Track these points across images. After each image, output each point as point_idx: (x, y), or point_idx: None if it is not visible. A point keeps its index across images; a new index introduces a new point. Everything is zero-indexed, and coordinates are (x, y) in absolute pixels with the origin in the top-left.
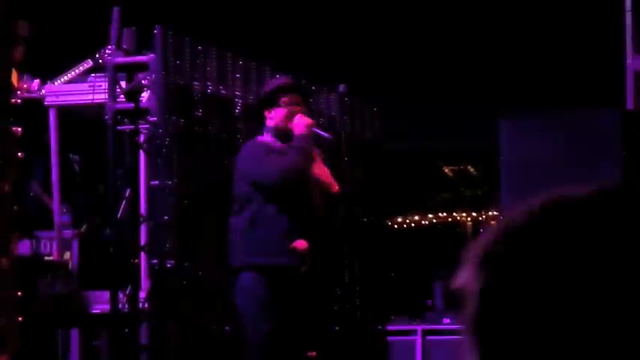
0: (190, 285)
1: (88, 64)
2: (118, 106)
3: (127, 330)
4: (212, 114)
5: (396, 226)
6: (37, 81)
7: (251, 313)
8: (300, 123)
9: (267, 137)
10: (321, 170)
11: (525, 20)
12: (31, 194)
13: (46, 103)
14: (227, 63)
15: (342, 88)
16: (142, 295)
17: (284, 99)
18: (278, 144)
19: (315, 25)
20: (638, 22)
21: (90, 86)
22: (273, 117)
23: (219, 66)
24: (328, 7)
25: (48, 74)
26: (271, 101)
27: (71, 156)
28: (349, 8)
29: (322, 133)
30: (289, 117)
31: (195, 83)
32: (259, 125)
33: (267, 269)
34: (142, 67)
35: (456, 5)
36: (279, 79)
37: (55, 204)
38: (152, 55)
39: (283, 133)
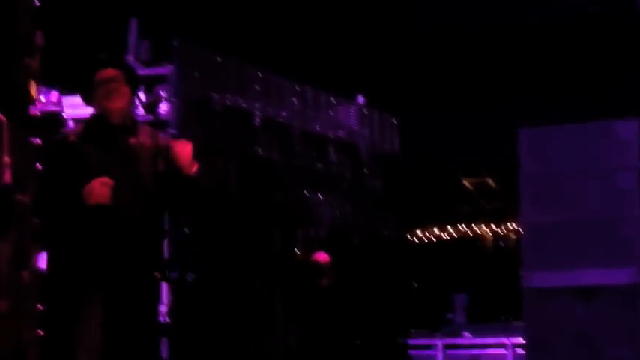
0: (212, 298)
1: None
2: (137, 118)
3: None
4: (231, 126)
5: (416, 239)
6: (55, 92)
7: None
8: None
9: None
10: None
11: (545, 32)
12: None
13: (64, 114)
14: (246, 75)
15: (360, 99)
16: (164, 309)
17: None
18: None
19: (334, 37)
20: None
21: None
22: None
23: (238, 78)
24: (349, 20)
25: (66, 86)
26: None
27: None
28: (369, 22)
29: None
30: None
31: (214, 95)
32: None
33: None
34: (161, 79)
35: (473, 19)
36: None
37: None
38: (170, 66)
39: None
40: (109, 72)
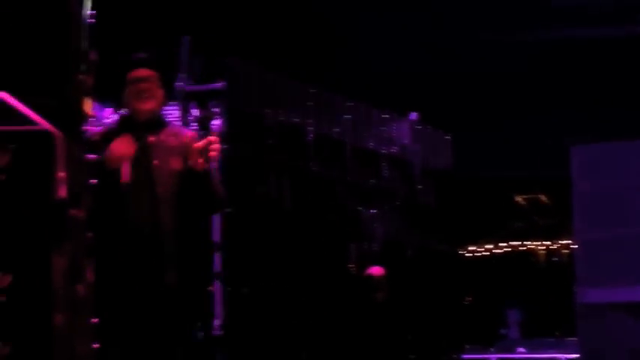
0: (265, 312)
1: None
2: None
3: (203, 358)
4: (284, 142)
5: (469, 255)
6: (109, 109)
7: None
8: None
9: None
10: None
11: (596, 47)
12: None
13: None
14: (299, 91)
15: (413, 116)
16: (217, 322)
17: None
18: None
19: (386, 53)
20: None
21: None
22: None
23: (290, 94)
24: (398, 40)
25: (120, 103)
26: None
27: None
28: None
29: None
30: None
31: (267, 111)
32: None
33: None
34: (213, 94)
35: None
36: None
37: None
38: (223, 82)
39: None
40: (143, 72)
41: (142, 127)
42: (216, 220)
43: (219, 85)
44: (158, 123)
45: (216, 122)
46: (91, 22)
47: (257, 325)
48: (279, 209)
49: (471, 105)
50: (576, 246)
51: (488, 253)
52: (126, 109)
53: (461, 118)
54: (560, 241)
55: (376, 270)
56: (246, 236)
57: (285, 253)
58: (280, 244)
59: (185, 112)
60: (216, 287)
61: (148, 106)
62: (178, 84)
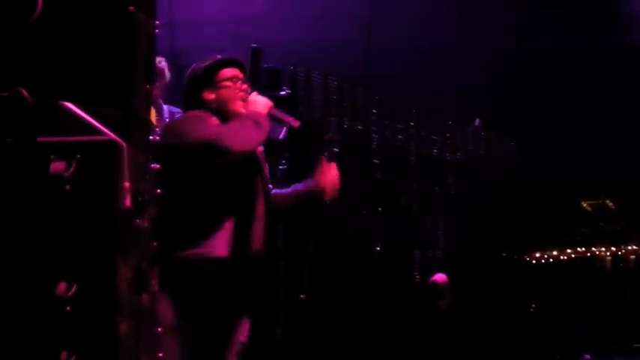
0: (325, 319)
1: None
2: None
3: None
4: (348, 149)
5: (534, 262)
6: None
7: None
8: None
9: None
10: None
11: None
12: None
13: None
14: (362, 99)
15: (477, 122)
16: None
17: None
18: None
19: (446, 59)
20: None
21: None
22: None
23: (354, 102)
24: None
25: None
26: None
27: None
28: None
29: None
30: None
31: (332, 119)
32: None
33: None
34: (278, 103)
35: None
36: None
37: None
38: (288, 91)
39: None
40: (238, 72)
41: None
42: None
43: (283, 93)
44: None
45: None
46: (155, 31)
47: (316, 332)
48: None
49: (536, 109)
50: None
51: (553, 260)
52: (208, 108)
53: (525, 122)
54: (626, 248)
55: (440, 277)
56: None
57: (348, 260)
58: (344, 252)
59: None
60: None
61: (242, 108)
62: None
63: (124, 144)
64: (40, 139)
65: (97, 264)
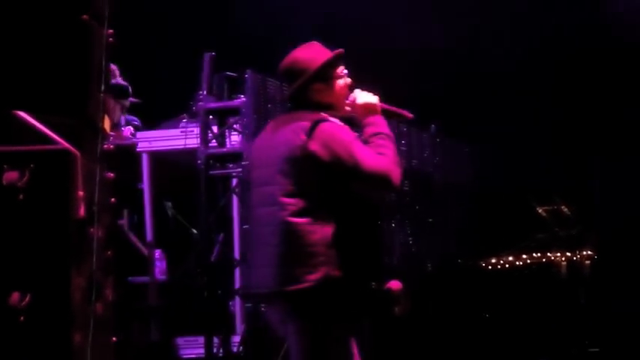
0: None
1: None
2: (210, 150)
3: None
4: None
5: (490, 267)
6: (129, 128)
7: None
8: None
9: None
10: None
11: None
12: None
13: (138, 149)
14: None
15: (433, 129)
16: (236, 339)
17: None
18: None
19: (405, 63)
20: None
21: (182, 132)
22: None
23: None
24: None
25: (143, 121)
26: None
27: (165, 202)
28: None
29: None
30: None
31: None
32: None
33: None
34: (234, 111)
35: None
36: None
37: (156, 250)
38: (243, 99)
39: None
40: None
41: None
42: (235, 237)
43: (239, 101)
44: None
45: (236, 138)
46: (110, 40)
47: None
48: None
49: (490, 116)
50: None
51: (508, 266)
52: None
53: (480, 129)
54: (581, 253)
55: (395, 284)
56: None
57: None
58: None
59: (205, 129)
60: (237, 304)
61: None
62: (199, 101)
63: (77, 153)
64: None
65: (50, 273)
